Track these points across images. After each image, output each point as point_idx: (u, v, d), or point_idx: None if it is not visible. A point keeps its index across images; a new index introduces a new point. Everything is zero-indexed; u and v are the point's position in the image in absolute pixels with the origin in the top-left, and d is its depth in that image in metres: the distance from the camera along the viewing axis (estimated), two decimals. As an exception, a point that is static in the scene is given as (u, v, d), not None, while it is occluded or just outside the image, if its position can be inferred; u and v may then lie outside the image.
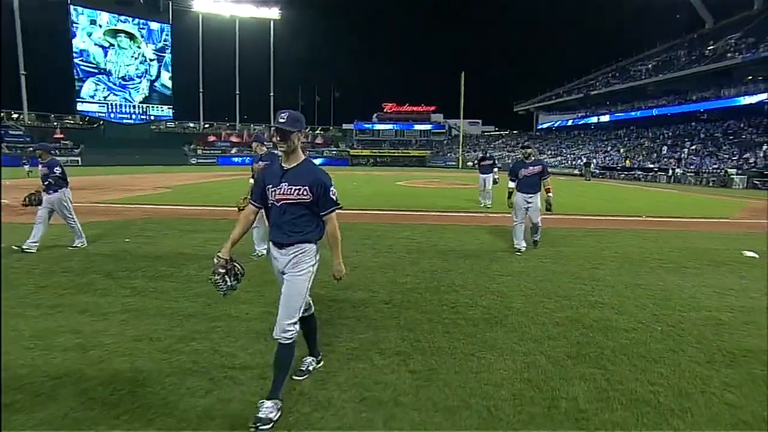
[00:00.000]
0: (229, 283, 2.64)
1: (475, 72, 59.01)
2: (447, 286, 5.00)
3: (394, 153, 65.82)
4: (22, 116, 52.70)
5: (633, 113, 47.67)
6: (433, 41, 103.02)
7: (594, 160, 42.55)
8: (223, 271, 2.62)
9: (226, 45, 62.08)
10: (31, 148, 42.90)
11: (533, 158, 6.94)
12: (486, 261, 6.26)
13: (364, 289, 4.80)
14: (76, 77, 52.06)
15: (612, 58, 57.57)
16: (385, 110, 70.13)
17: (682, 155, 36.47)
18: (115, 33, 54.58)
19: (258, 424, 2.34)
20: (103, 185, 19.96)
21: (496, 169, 12.94)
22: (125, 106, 56.21)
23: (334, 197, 2.63)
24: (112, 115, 55.59)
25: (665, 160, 37.13)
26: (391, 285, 4.99)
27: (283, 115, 2.55)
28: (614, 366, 3.15)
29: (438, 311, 4.18)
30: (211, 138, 62.13)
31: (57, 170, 6.74)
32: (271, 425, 2.36)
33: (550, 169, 7.48)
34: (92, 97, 53.77)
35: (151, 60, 57.61)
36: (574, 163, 45.68)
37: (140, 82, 57.14)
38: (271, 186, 2.61)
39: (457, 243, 7.62)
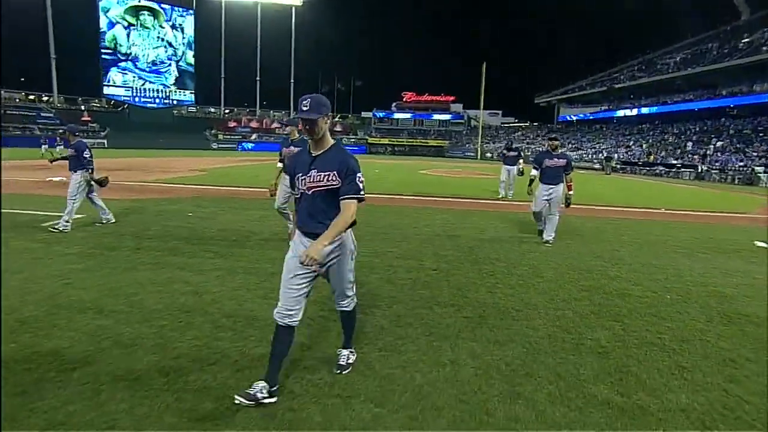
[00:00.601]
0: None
1: (496, 62, 58.81)
2: (484, 258, 5.81)
3: (412, 142, 66.33)
4: (52, 99, 54.71)
5: (658, 108, 47.19)
6: (454, 31, 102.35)
7: (615, 155, 42.46)
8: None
9: (247, 31, 63.17)
10: (60, 130, 44.79)
11: (559, 150, 7.10)
12: (516, 242, 7.03)
13: (413, 259, 5.64)
14: (103, 62, 53.86)
15: (639, 51, 56.82)
16: (404, 99, 70.47)
17: (708, 151, 36.24)
18: (137, 11, 55.95)
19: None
20: (144, 167, 21.17)
21: (521, 161, 12.96)
22: (149, 90, 57.92)
23: (360, 184, 2.49)
24: (136, 99, 57.42)
25: (690, 156, 36.95)
26: (435, 256, 5.82)
27: (305, 102, 2.43)
28: (629, 320, 3.91)
29: (479, 277, 4.99)
30: (232, 123, 63.52)
31: (86, 153, 6.86)
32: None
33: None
34: (118, 81, 55.58)
35: (174, 41, 59.08)
36: (594, 157, 45.61)
37: (169, 65, 58.78)
38: (300, 174, 2.53)
39: (486, 226, 8.37)
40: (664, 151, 40.31)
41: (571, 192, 6.94)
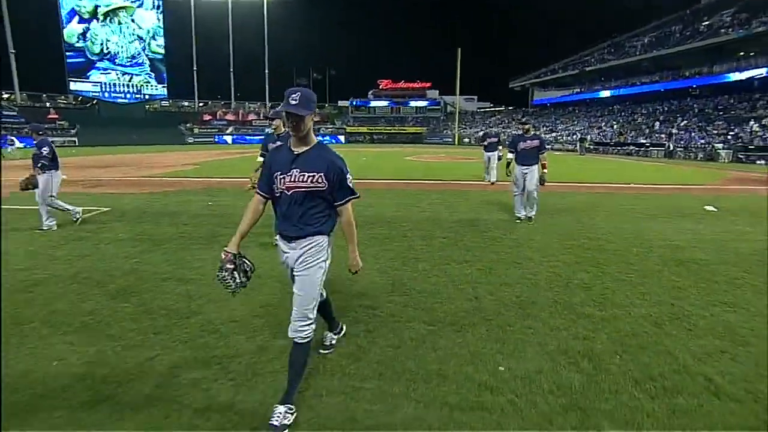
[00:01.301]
0: (238, 280, 2.47)
1: (470, 48, 59.95)
2: (483, 228, 6.91)
3: (390, 130, 67.17)
4: (13, 96, 52.75)
5: (627, 89, 49.50)
6: (428, 17, 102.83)
7: (588, 136, 44.47)
8: (232, 266, 2.45)
9: (219, 21, 62.13)
10: (26, 129, 43.58)
11: (532, 133, 7.57)
12: (507, 216, 8.11)
13: (423, 230, 6.71)
14: (69, 63, 52.34)
15: (607, 34, 59.02)
16: (380, 87, 71.01)
17: (673, 131, 38.54)
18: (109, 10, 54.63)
19: None
20: (130, 163, 21.37)
21: (500, 147, 13.20)
22: (119, 85, 56.59)
23: (351, 185, 2.46)
24: (106, 95, 55.95)
25: (657, 135, 39.18)
26: (441, 228, 6.87)
27: (294, 96, 2.28)
28: (605, 266, 5.04)
29: (482, 241, 6.09)
30: (207, 117, 62.76)
31: (45, 150, 6.64)
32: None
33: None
34: (85, 76, 54.10)
35: (142, 31, 57.79)
36: (568, 138, 47.59)
37: (143, 59, 57.58)
38: (279, 173, 2.39)
39: (479, 205, 9.47)
40: (634, 131, 42.50)
41: (545, 170, 7.42)
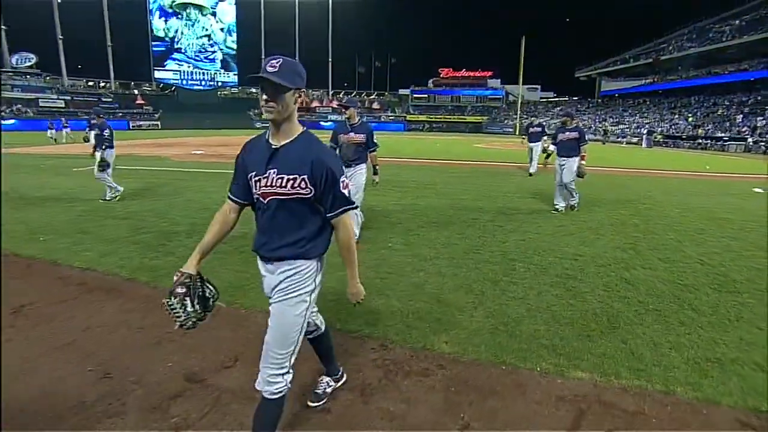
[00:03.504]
0: (190, 309, 1.89)
1: (535, 36, 59.98)
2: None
3: (449, 119, 69.03)
4: (109, 84, 60.43)
5: (708, 79, 47.77)
6: (492, 3, 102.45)
7: (658, 129, 43.94)
8: (183, 291, 1.88)
9: (286, 10, 66.75)
10: (93, 115, 50.46)
11: (572, 125, 8.01)
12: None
13: (490, 202, 9.32)
14: (154, 52, 59.54)
15: (688, 19, 56.74)
16: (441, 75, 72.79)
17: (758, 123, 37.03)
18: (184, 6, 61.25)
19: None
20: (228, 143, 25.53)
21: (545, 137, 12.96)
22: (196, 73, 63.05)
23: (345, 192, 1.88)
24: (184, 82, 62.56)
25: (738, 129, 37.92)
26: (523, 193, 9.47)
27: (274, 62, 1.74)
28: (652, 227, 7.43)
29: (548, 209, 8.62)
30: (272, 103, 67.92)
31: (106, 132, 7.97)
32: None
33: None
34: (167, 66, 61.12)
35: (216, 26, 64.04)
36: (636, 131, 47.17)
37: (215, 52, 64.09)
38: (254, 174, 1.86)
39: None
40: (713, 123, 41.29)
41: (583, 162, 7.78)
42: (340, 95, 67.46)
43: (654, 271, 4.82)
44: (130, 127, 49.94)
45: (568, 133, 7.82)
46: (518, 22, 79.30)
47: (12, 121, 42.55)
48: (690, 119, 44.57)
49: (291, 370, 1.94)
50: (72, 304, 3.81)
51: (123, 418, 2.36)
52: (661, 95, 54.74)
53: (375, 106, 70.81)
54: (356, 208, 1.91)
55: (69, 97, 52.74)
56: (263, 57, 66.13)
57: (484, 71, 72.21)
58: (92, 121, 8.31)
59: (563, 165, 7.78)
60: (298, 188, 1.82)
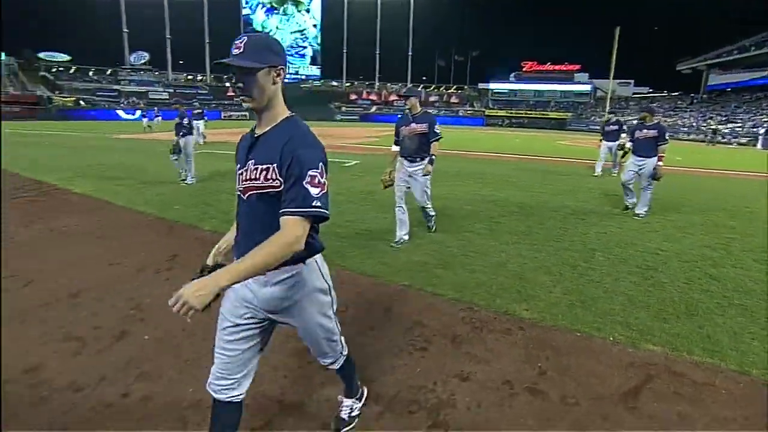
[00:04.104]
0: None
1: (627, 24, 55.57)
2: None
3: (531, 114, 66.54)
4: (205, 78, 66.39)
5: None
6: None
7: (779, 128, 38.99)
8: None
9: (368, 4, 68.46)
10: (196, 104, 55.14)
11: (652, 121, 7.18)
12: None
13: (571, 197, 9.23)
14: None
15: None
16: (524, 69, 70.29)
17: None
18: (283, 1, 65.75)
19: None
20: (325, 135, 26.90)
21: (623, 135, 11.80)
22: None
23: (313, 191, 1.50)
24: (271, 75, 67.08)
25: None
26: (591, 194, 9.33)
27: (238, 42, 1.55)
28: (750, 237, 7.08)
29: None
30: (353, 96, 70.29)
31: (185, 120, 9.09)
32: None
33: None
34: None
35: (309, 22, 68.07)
36: (751, 131, 42.22)
37: (305, 47, 68.23)
38: (238, 168, 1.70)
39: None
40: None
41: (660, 163, 6.97)
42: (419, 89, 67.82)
43: (746, 270, 4.74)
44: (222, 117, 54.61)
45: (646, 130, 7.13)
46: (611, 10, 73.89)
47: (137, 114, 42.77)
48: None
49: (343, 350, 2.08)
50: (210, 258, 4.77)
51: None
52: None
53: (453, 100, 70.29)
54: (326, 218, 1.54)
55: (172, 90, 59.00)
56: (345, 50, 70.00)
57: (571, 65, 68.50)
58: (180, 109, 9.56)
59: (641, 166, 7.09)
60: (270, 179, 1.55)
